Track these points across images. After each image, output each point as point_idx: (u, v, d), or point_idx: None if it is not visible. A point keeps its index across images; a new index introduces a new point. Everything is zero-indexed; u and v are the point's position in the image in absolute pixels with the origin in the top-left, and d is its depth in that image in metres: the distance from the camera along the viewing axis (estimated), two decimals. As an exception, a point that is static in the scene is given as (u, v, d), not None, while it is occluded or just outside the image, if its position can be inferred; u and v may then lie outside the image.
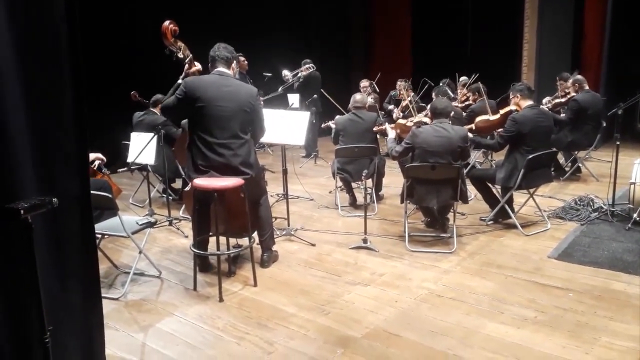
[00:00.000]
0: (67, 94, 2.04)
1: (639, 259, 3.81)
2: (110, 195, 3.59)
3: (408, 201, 4.34)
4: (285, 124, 4.44)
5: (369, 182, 5.00)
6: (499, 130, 4.77)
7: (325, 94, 5.84)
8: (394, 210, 5.21)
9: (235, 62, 3.69)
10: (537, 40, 8.92)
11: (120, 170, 5.59)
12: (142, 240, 3.73)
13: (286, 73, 7.61)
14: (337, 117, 5.66)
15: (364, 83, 8.23)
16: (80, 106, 2.07)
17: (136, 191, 5.89)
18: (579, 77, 6.43)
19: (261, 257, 3.93)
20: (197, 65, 3.71)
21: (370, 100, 7.19)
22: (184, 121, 4.20)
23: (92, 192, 2.85)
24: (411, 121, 5.01)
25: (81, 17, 2.06)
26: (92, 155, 4.40)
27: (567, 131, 6.15)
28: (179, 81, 3.62)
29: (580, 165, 6.41)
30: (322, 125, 6.21)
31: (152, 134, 4.82)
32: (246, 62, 7.37)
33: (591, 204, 4.98)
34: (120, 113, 5.98)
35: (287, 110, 5.11)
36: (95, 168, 4.72)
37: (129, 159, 5.07)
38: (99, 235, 3.64)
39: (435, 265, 3.88)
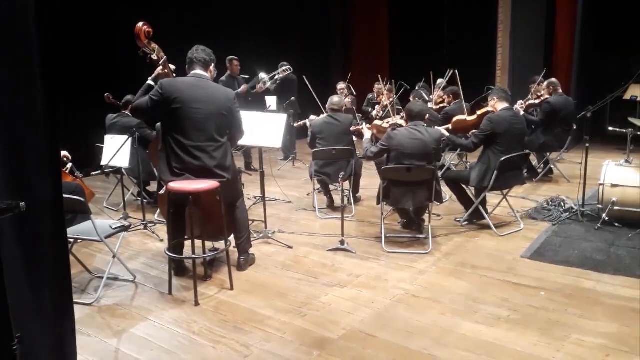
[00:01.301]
0: (38, 94, 1.99)
1: (607, 258, 3.91)
2: (83, 199, 3.53)
3: (384, 203, 4.38)
4: (263, 127, 4.43)
5: (347, 184, 5.04)
6: (474, 131, 4.85)
7: (307, 83, 5.82)
8: (371, 211, 5.24)
9: (213, 64, 3.66)
10: (511, 44, 9.10)
11: (94, 173, 5.50)
12: (116, 245, 3.67)
13: (263, 76, 7.59)
14: (312, 117, 5.67)
15: (341, 85, 8.28)
16: (52, 107, 2.03)
17: (110, 194, 5.80)
18: (554, 80, 6.57)
19: (238, 260, 3.91)
20: (171, 67, 3.68)
21: (347, 101, 7.23)
22: (159, 124, 4.16)
23: (64, 196, 2.81)
24: (387, 122, 5.06)
25: (55, 17, 2.03)
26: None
27: (540, 133, 6.29)
28: (149, 82, 3.57)
29: (552, 166, 6.56)
30: (297, 124, 6.22)
31: (126, 137, 4.75)
32: (239, 66, 7.32)
33: (562, 204, 5.10)
34: (94, 115, 5.88)
35: (265, 113, 5.10)
36: (67, 171, 4.64)
37: (103, 162, 4.99)
38: (72, 240, 3.57)
39: (411, 266, 3.92)
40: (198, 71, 3.56)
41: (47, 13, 1.98)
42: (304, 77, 5.90)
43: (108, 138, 5.14)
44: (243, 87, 7.12)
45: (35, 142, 2.02)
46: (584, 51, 8.47)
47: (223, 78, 7.10)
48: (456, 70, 6.17)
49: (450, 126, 5.03)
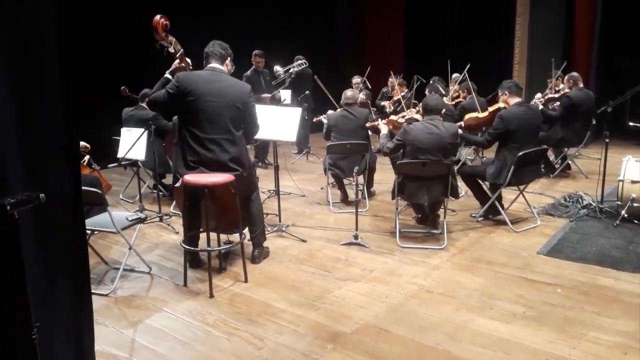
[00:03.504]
0: (57, 87, 2.01)
1: (626, 255, 3.85)
2: (100, 191, 3.57)
3: (399, 197, 4.36)
4: (277, 120, 4.43)
5: (361, 179, 5.02)
6: (487, 128, 4.80)
7: (320, 83, 5.79)
8: (385, 206, 5.22)
9: (229, 58, 3.66)
10: (529, 36, 8.96)
11: (110, 165, 5.56)
12: (132, 236, 3.71)
13: (278, 69, 7.59)
14: (329, 112, 5.66)
15: (356, 79, 8.23)
16: (71, 99, 2.05)
17: (126, 187, 5.86)
18: (575, 74, 6.46)
19: (252, 253, 3.92)
20: (188, 61, 3.69)
21: (362, 96, 7.19)
22: (175, 117, 4.19)
23: (82, 187, 2.84)
24: (403, 117, 5.02)
25: (73, 10, 2.04)
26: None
27: (558, 128, 6.19)
28: (166, 75, 3.60)
29: (570, 162, 6.46)
30: (314, 120, 6.21)
31: (142, 129, 4.79)
32: (262, 62, 7.28)
33: (580, 200, 5.02)
34: (111, 108, 5.94)
35: (279, 107, 5.10)
36: (85, 164, 4.70)
37: (120, 155, 5.04)
38: (89, 231, 3.62)
39: (426, 261, 3.90)
40: (214, 64, 3.57)
41: (66, 6, 1.99)
42: (316, 77, 5.86)
43: (124, 131, 5.19)
44: (265, 95, 7.04)
45: (55, 135, 2.04)
46: (604, 45, 8.31)
47: (247, 73, 7.11)
48: (466, 73, 6.08)
49: (462, 124, 4.98)
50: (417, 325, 2.96)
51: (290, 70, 7.56)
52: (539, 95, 6.53)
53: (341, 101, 5.51)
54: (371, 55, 11.23)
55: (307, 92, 7.60)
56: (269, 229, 4.48)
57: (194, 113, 3.43)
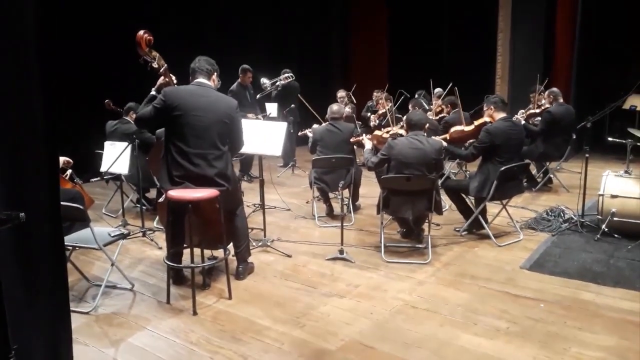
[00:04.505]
0: (37, 101, 1.99)
1: (607, 269, 3.91)
2: (81, 207, 3.52)
3: (384, 212, 4.37)
4: (263, 134, 4.43)
5: (346, 193, 5.03)
6: (472, 140, 4.86)
7: (303, 100, 5.84)
8: (371, 220, 5.23)
9: (216, 74, 3.66)
10: (510, 53, 9.12)
11: (93, 179, 5.49)
12: (115, 252, 3.66)
13: (264, 81, 7.60)
14: (315, 126, 5.68)
15: (341, 93, 8.29)
16: (50, 114, 2.03)
17: (109, 201, 5.79)
18: (555, 89, 6.58)
19: (236, 269, 3.89)
20: (172, 77, 3.68)
21: (347, 110, 7.24)
22: (159, 130, 4.15)
23: (64, 203, 2.80)
24: (387, 132, 5.06)
25: (54, 23, 2.03)
26: (60, 160, 4.32)
27: (540, 142, 6.29)
28: (152, 92, 3.59)
29: (551, 176, 6.56)
30: (299, 134, 6.22)
31: (126, 143, 4.75)
32: (250, 77, 7.28)
33: (562, 214, 5.09)
34: (94, 122, 5.89)
35: (265, 120, 5.10)
36: (67, 178, 4.63)
37: (103, 168, 4.98)
38: (70, 247, 3.56)
39: (410, 276, 3.91)
40: (200, 79, 3.57)
41: (46, 19, 1.98)
42: (299, 95, 5.91)
43: (108, 144, 5.14)
44: (251, 116, 6.96)
45: (34, 151, 2.01)
46: (583, 61, 8.50)
47: (233, 87, 7.08)
48: (455, 88, 6.19)
49: (447, 136, 5.04)
50: (401, 342, 2.96)
51: (277, 83, 7.58)
52: (521, 111, 6.65)
53: (327, 115, 5.54)
54: (356, 70, 11.37)
55: (292, 105, 7.62)
56: (254, 243, 4.46)
57: (180, 128, 3.41)
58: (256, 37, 9.49)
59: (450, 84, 6.61)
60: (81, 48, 6.82)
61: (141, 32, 3.47)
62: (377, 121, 7.60)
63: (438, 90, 7.56)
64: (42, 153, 2.04)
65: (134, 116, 5.12)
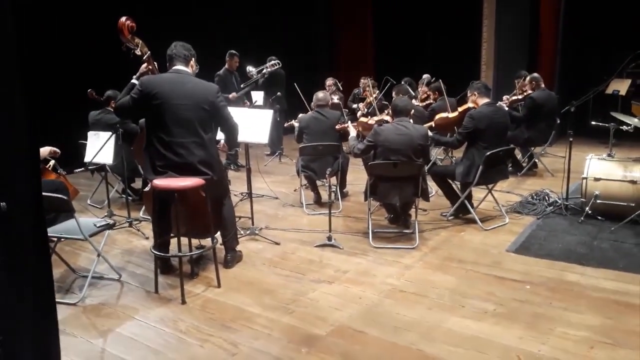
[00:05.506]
0: (16, 89, 1.94)
1: (591, 251, 3.97)
2: (65, 197, 3.47)
3: (371, 198, 4.39)
4: (249, 122, 4.40)
5: (333, 180, 5.03)
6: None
7: (297, 88, 5.81)
8: (358, 207, 5.25)
9: (193, 59, 3.59)
10: (495, 39, 9.14)
11: (77, 170, 5.41)
12: (101, 243, 3.63)
13: (250, 69, 7.53)
14: (300, 115, 5.65)
15: (329, 81, 8.24)
16: (30, 101, 1.98)
17: (94, 192, 5.73)
18: (536, 75, 6.63)
19: (224, 257, 3.88)
20: (155, 64, 3.63)
21: (334, 98, 7.22)
22: (142, 120, 4.10)
23: (47, 194, 2.75)
24: (373, 119, 5.06)
25: (34, 12, 1.98)
26: (44, 150, 4.25)
27: (524, 128, 6.35)
28: (133, 80, 3.51)
29: (536, 160, 6.63)
30: (285, 125, 6.19)
31: (109, 133, 4.69)
32: (237, 62, 7.29)
33: (547, 198, 5.16)
34: (77, 112, 5.78)
35: (251, 108, 5.06)
36: (50, 169, 4.57)
37: (86, 159, 4.91)
38: (55, 239, 3.52)
39: (398, 261, 3.94)
40: (178, 67, 3.50)
41: (25, 7, 1.93)
42: (295, 84, 5.88)
43: (91, 134, 5.06)
44: (233, 95, 6.98)
45: (14, 140, 1.97)
46: (568, 46, 8.55)
47: (220, 72, 7.07)
48: (440, 80, 6.22)
49: (432, 124, 5.05)
50: (390, 326, 2.99)
51: (264, 71, 7.52)
52: (505, 97, 6.70)
53: (312, 103, 5.51)
54: (342, 58, 11.32)
55: (279, 93, 7.57)
56: (242, 232, 4.45)
57: (160, 117, 3.35)
58: (242, 25, 9.39)
59: (434, 78, 6.62)
60: (62, 36, 6.69)
61: (123, 19, 3.41)
62: (366, 109, 7.58)
63: (426, 76, 7.56)
64: (22, 143, 2.00)
65: (114, 105, 5.05)
